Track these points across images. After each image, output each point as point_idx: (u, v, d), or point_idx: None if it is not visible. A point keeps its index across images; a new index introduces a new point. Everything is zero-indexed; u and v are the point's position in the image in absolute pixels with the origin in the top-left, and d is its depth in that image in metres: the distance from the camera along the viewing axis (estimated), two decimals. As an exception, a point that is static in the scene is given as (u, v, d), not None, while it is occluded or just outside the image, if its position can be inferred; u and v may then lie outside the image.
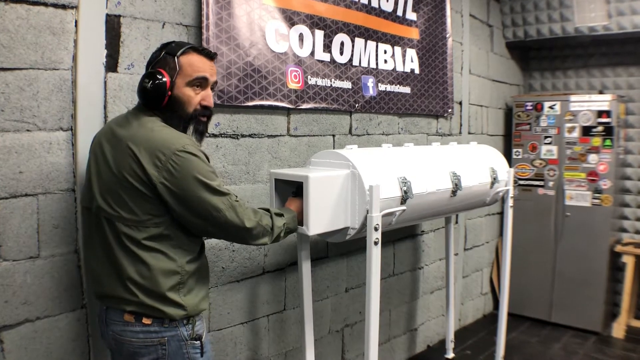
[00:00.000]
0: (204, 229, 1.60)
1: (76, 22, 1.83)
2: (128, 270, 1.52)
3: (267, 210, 1.76)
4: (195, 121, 1.65)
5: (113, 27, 1.96)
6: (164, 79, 1.55)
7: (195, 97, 1.62)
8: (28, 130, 1.74)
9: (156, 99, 1.56)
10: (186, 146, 1.51)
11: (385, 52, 3.16)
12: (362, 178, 2.02)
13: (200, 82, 1.62)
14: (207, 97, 1.65)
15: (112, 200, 1.53)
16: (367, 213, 1.99)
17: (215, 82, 1.70)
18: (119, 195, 1.52)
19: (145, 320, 1.54)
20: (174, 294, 1.55)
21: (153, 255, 1.53)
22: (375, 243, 1.99)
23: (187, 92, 1.60)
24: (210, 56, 1.66)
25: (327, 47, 2.78)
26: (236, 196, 1.63)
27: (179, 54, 1.59)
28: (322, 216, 1.98)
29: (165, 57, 1.60)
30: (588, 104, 4.14)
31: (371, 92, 3.07)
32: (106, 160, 1.56)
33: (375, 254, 2.00)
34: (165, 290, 1.53)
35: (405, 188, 2.16)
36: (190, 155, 1.51)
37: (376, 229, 1.98)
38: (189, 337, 1.59)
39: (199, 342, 1.62)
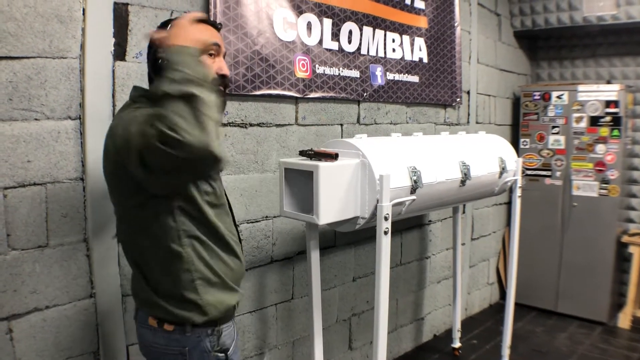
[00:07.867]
0: (160, 170, 1.29)
1: (84, 10, 1.82)
2: (147, 270, 1.48)
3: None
4: None
5: (121, 15, 1.94)
6: None
7: (212, 66, 1.49)
8: (36, 119, 1.73)
9: None
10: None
11: (393, 40, 3.13)
12: (372, 167, 2.01)
13: (215, 50, 1.51)
14: (222, 65, 1.53)
15: (115, 192, 1.48)
16: (378, 202, 1.98)
17: (225, 53, 1.60)
18: (115, 185, 1.46)
19: (167, 327, 1.46)
20: (191, 294, 1.44)
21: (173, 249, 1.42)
22: (385, 232, 1.98)
23: (205, 62, 1.45)
24: (216, 27, 1.57)
25: (335, 36, 2.75)
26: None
27: None
28: (332, 205, 1.97)
29: None
30: (596, 94, 4.10)
31: (379, 81, 3.05)
32: (108, 152, 1.47)
33: (385, 244, 1.99)
34: (182, 290, 1.44)
35: (415, 177, 2.15)
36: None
37: (386, 219, 1.97)
38: (212, 349, 1.48)
39: (223, 354, 1.51)
